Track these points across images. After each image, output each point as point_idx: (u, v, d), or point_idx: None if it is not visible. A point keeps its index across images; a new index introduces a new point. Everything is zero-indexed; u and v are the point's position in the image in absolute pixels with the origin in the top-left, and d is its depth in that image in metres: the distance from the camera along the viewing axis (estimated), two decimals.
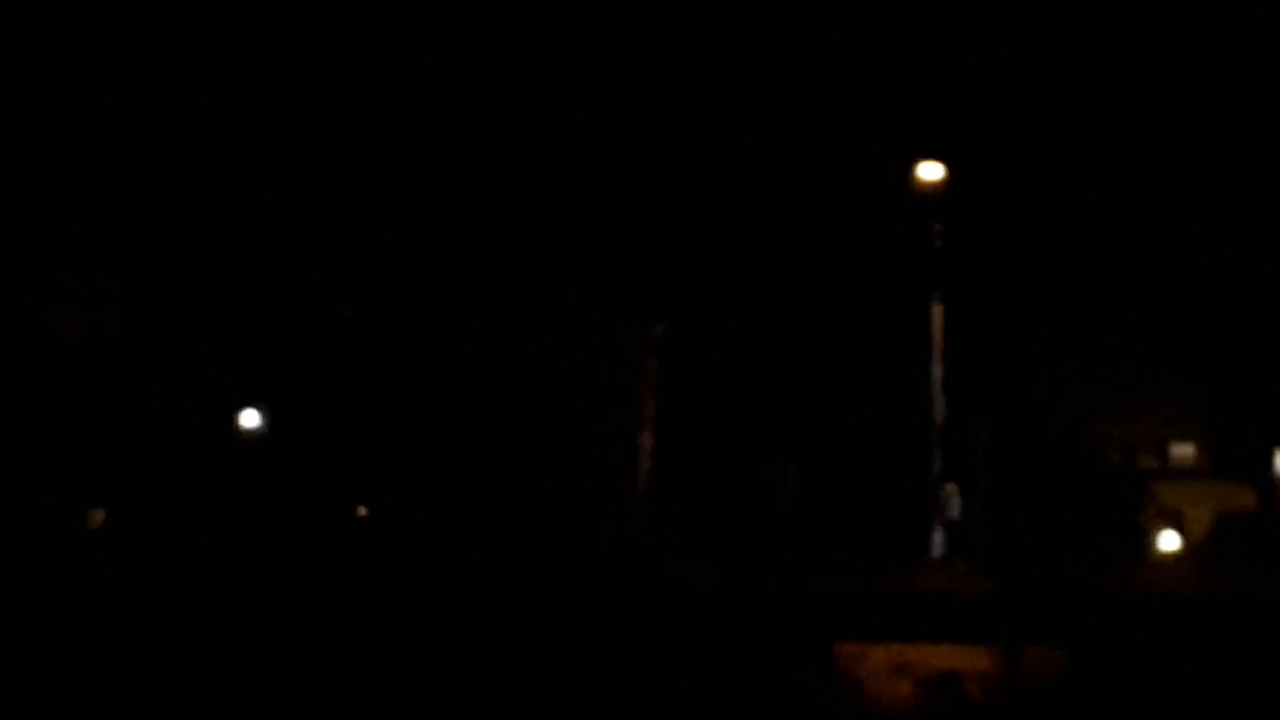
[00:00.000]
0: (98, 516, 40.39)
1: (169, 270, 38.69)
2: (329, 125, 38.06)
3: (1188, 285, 46.05)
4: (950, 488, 40.00)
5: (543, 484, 43.83)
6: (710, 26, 38.26)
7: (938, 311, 40.59)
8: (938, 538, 39.49)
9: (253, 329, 41.69)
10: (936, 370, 40.56)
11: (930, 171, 40.40)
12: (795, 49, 38.91)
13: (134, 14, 36.68)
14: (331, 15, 37.39)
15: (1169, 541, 39.85)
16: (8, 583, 32.04)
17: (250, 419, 44.27)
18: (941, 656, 27.66)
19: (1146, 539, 39.98)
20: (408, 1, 37.42)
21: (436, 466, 43.20)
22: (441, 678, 26.05)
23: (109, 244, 38.30)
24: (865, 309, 43.04)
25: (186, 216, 38.12)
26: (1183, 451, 44.19)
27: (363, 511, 42.12)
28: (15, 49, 36.52)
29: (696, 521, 40.24)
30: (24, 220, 37.00)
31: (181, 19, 36.86)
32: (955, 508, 39.83)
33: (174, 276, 38.69)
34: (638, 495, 40.36)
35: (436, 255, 40.01)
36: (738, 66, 38.45)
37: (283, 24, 37.38)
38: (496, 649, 26.93)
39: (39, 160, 36.96)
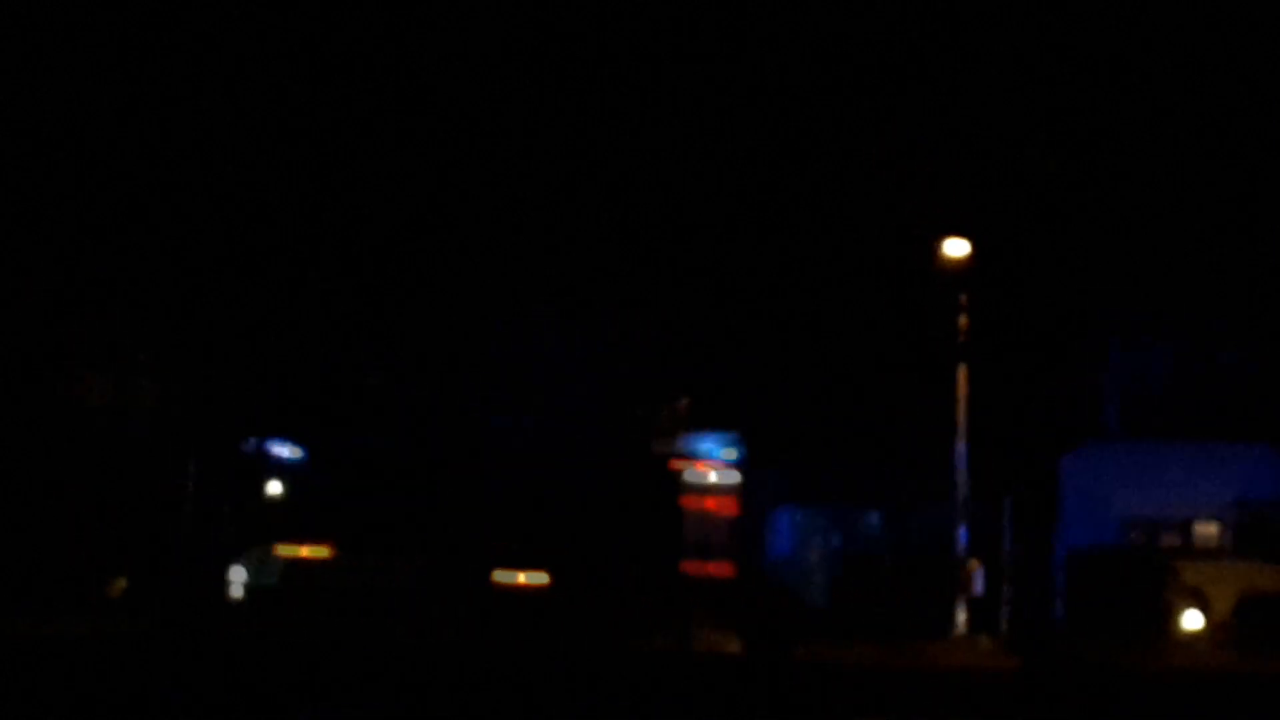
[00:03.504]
0: (120, 584, 40.44)
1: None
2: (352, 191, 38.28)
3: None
4: (973, 563, 39.92)
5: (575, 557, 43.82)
6: (747, 101, 38.47)
7: (963, 375, 40.57)
8: (961, 614, 39.39)
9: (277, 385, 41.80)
10: (961, 445, 40.54)
11: (957, 248, 40.50)
12: (837, 128, 39.09)
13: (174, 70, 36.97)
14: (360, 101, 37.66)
15: (1192, 620, 39.72)
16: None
17: (275, 488, 44.39)
18: None
19: (1170, 618, 39.85)
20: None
21: (469, 533, 43.20)
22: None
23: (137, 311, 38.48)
24: (890, 383, 43.05)
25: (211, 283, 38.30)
26: (1206, 531, 44.07)
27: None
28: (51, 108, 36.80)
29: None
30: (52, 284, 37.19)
31: (221, 82, 37.12)
32: (978, 583, 39.74)
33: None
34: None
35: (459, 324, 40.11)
36: (772, 144, 38.62)
37: (312, 99, 37.64)
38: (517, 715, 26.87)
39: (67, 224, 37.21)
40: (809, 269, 39.95)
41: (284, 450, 42.94)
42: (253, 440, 41.92)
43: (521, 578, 38.65)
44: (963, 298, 40.63)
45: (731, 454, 40.69)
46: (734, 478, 40.75)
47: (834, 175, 39.78)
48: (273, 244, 37.53)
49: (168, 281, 37.64)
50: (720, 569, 40.13)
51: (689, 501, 40.14)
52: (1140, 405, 46.84)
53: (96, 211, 36.91)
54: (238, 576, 39.54)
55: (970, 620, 39.47)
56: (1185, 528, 44.16)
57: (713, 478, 40.46)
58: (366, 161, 37.66)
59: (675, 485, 40.14)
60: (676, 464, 40.01)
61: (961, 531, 40.15)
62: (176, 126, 36.88)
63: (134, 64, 37.13)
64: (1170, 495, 44.08)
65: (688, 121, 38.71)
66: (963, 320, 40.69)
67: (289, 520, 41.53)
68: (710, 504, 40.25)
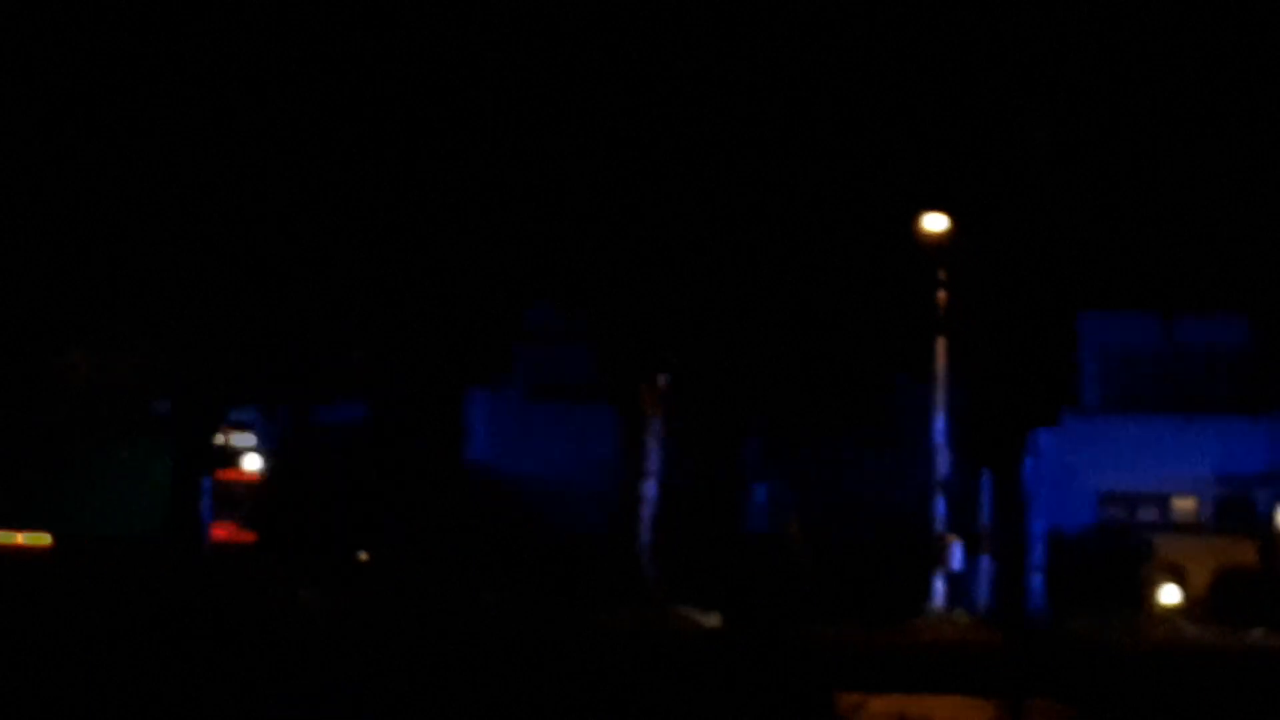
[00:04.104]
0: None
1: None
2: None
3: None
4: (951, 538, 39.95)
5: (544, 529, 43.84)
6: (724, 73, 38.37)
7: (941, 350, 40.55)
8: (939, 589, 39.44)
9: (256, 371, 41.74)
10: (940, 419, 40.54)
11: (935, 222, 40.49)
12: (817, 105, 39.03)
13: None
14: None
15: (1170, 595, 39.83)
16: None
17: (252, 463, 44.37)
18: (942, 708, 27.67)
19: (1148, 592, 39.95)
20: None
21: (440, 511, 43.23)
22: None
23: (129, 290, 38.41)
24: (869, 359, 43.05)
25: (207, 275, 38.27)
26: (1184, 505, 44.23)
27: (364, 557, 42.15)
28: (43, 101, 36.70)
29: (699, 571, 40.18)
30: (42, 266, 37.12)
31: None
32: (957, 559, 39.79)
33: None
34: (640, 544, 40.32)
35: (440, 294, 40.02)
36: (749, 116, 38.53)
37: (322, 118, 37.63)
38: (501, 693, 26.90)
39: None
40: (787, 244, 39.87)
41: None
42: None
43: None
44: (941, 272, 40.63)
45: None
46: None
47: (812, 149, 39.69)
48: (252, 221, 37.39)
49: (150, 259, 37.50)
50: None
51: None
52: (1118, 380, 46.89)
53: (77, 189, 36.74)
54: None
55: (948, 596, 39.53)
56: (1163, 502, 44.31)
57: None
58: (345, 140, 37.51)
59: None
60: None
61: (939, 506, 40.19)
62: (154, 103, 36.71)
63: (109, 41, 36.96)
64: (1148, 470, 44.21)
65: (662, 91, 38.56)
66: (941, 295, 40.70)
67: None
68: None
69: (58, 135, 37.18)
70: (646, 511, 40.33)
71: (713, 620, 37.09)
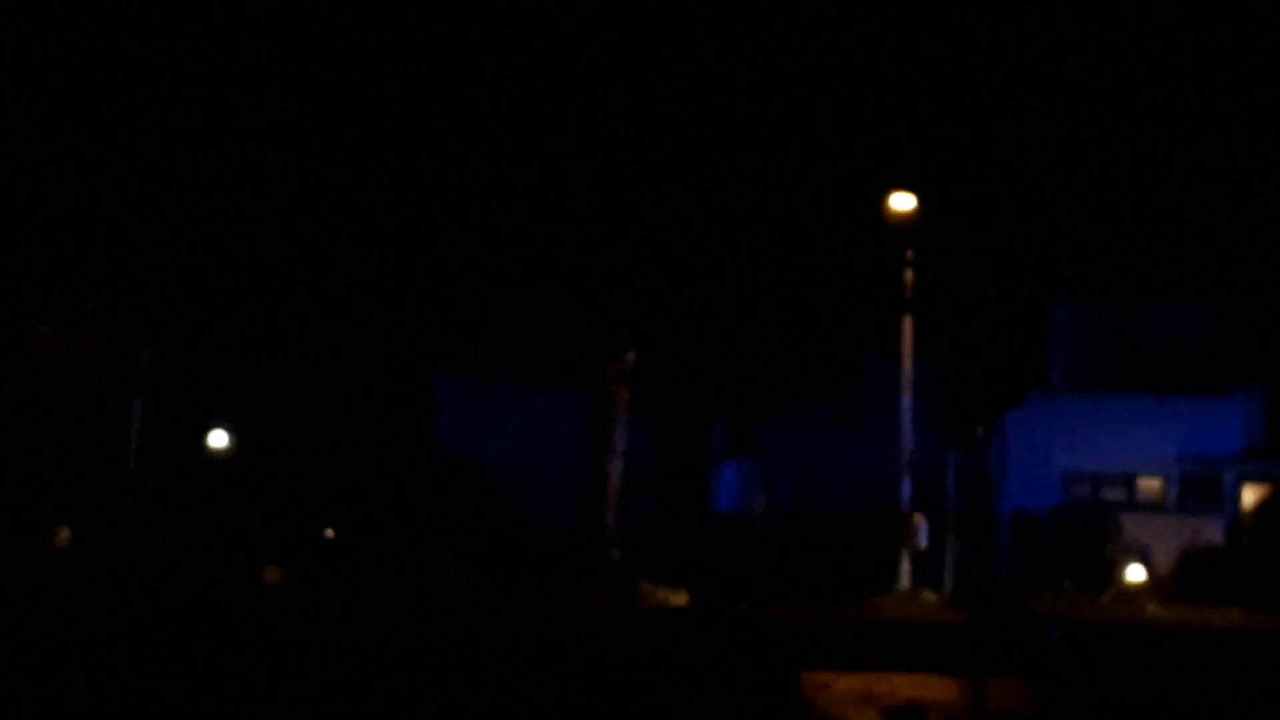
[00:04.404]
0: (64, 534, 40.29)
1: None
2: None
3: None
4: (918, 517, 40.00)
5: (511, 510, 43.86)
6: (697, 55, 38.35)
7: (908, 330, 40.57)
8: (905, 568, 39.51)
9: (228, 351, 41.66)
10: (906, 399, 40.57)
11: (902, 202, 40.53)
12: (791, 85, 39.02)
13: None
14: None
15: (1135, 574, 39.99)
16: None
17: (219, 439, 44.32)
18: (907, 686, 27.75)
19: (1113, 571, 40.11)
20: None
21: (408, 491, 43.23)
22: (415, 698, 26.08)
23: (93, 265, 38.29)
24: (838, 338, 43.09)
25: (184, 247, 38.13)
26: (1149, 485, 44.39)
27: (330, 534, 42.12)
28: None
29: (666, 549, 40.27)
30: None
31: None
32: (923, 537, 39.85)
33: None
34: (607, 523, 40.34)
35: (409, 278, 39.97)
36: (721, 98, 38.53)
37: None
38: (467, 672, 26.94)
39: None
40: (756, 224, 39.91)
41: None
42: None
43: None
44: (909, 252, 40.67)
45: None
46: None
47: (782, 130, 39.73)
48: (224, 197, 37.30)
49: (118, 232, 37.40)
50: None
51: None
52: (1084, 360, 47.02)
53: (49, 167, 36.64)
54: None
55: (914, 574, 39.60)
56: (1129, 482, 44.47)
57: None
58: (322, 123, 37.47)
59: None
60: None
61: (906, 485, 40.21)
62: (134, 88, 36.62)
63: (90, 26, 36.85)
64: (1114, 450, 44.37)
65: (633, 75, 38.55)
66: (909, 275, 40.74)
67: None
68: None
69: (40, 120, 37.09)
70: (614, 491, 40.34)
71: (680, 598, 37.14)
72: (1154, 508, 43.49)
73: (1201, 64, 41.91)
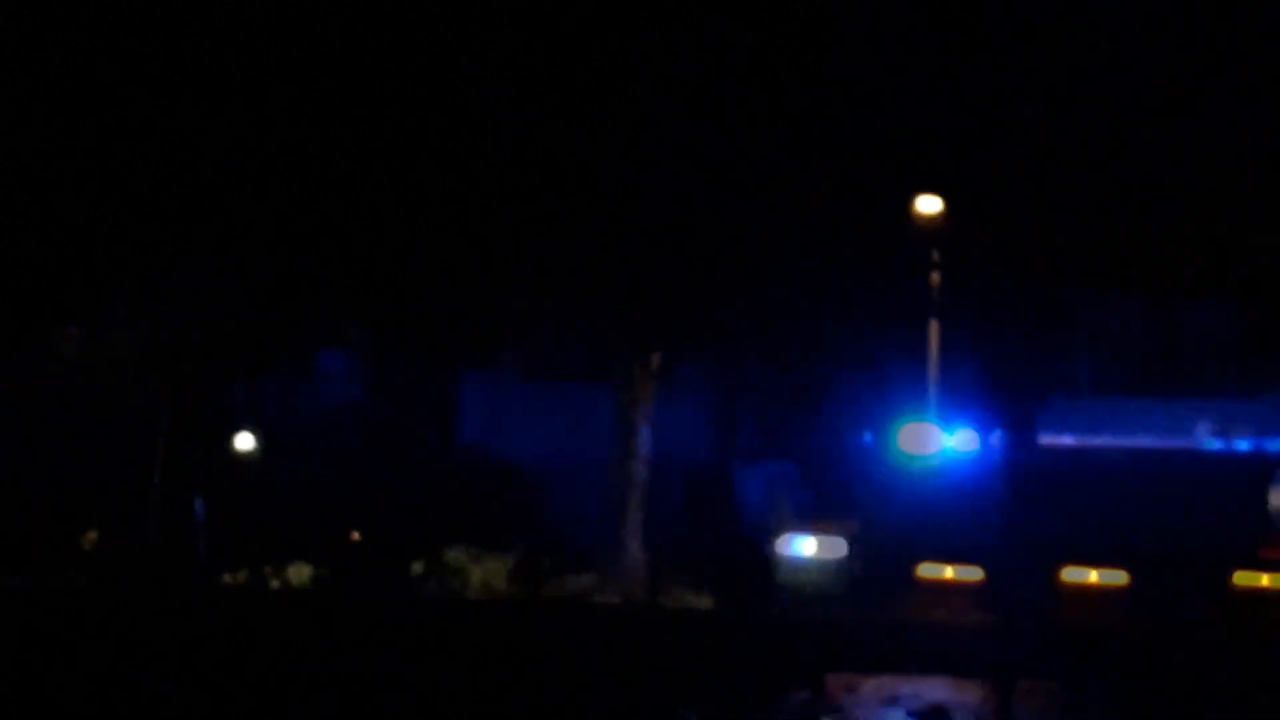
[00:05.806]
0: (92, 537, 40.44)
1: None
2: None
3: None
4: None
5: (537, 510, 43.93)
6: (718, 52, 38.31)
7: (934, 332, 40.57)
8: None
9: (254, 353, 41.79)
10: (933, 403, 40.55)
11: (929, 204, 40.53)
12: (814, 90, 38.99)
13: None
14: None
15: None
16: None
17: (246, 442, 44.40)
18: (933, 688, 27.73)
19: None
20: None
21: (434, 492, 43.30)
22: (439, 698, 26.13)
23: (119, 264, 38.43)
24: (861, 340, 43.06)
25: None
26: None
27: (356, 536, 42.20)
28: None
29: (691, 552, 40.26)
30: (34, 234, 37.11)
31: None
32: None
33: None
34: (631, 524, 40.37)
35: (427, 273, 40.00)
36: (742, 98, 38.51)
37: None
38: (492, 672, 26.99)
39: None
40: (780, 226, 39.81)
41: None
42: None
43: None
44: (935, 254, 40.65)
45: None
46: None
47: (806, 130, 39.64)
48: (247, 196, 37.40)
49: (143, 232, 37.52)
50: None
51: None
52: (1110, 362, 46.92)
53: (71, 165, 36.76)
54: None
55: None
56: None
57: None
58: (339, 123, 37.52)
59: None
60: None
61: None
62: (149, 83, 36.71)
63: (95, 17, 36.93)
64: None
65: (653, 73, 38.50)
66: (934, 277, 40.72)
67: None
68: None
69: (53, 117, 37.18)
70: (638, 492, 40.33)
71: (705, 601, 37.13)
72: None
73: (1237, 65, 41.78)
